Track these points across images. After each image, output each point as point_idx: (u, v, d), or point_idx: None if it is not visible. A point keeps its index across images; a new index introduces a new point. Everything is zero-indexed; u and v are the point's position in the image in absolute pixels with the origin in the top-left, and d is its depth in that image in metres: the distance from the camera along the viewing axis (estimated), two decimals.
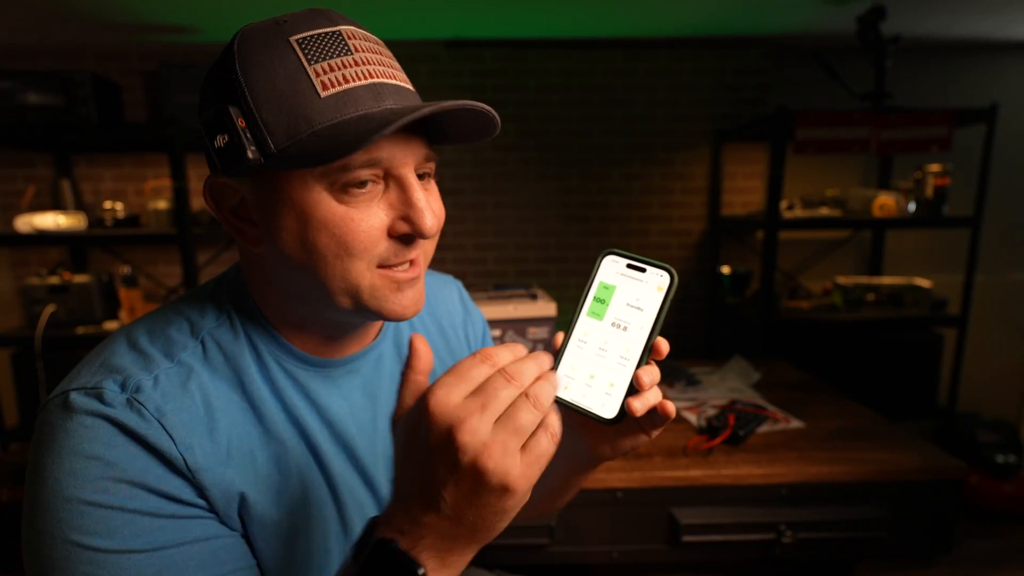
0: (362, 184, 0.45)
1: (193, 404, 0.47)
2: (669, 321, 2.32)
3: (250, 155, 0.43)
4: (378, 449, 0.59)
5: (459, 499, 0.36)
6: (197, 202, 2.46)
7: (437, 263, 2.52)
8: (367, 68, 0.46)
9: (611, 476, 1.13)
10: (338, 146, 0.42)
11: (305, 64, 0.44)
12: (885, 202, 2.16)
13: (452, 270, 2.58)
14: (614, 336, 0.46)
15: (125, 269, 2.18)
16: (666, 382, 1.59)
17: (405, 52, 2.31)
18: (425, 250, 0.53)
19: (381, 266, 0.49)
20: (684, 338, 2.75)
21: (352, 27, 0.47)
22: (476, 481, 0.35)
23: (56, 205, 2.22)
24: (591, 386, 0.46)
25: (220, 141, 0.45)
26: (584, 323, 0.48)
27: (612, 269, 0.48)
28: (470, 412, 0.35)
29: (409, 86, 0.50)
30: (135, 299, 2.12)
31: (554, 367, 0.48)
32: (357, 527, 0.56)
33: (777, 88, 2.55)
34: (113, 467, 0.43)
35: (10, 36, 2.22)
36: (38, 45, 2.34)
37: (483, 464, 0.35)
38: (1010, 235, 2.68)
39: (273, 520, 0.50)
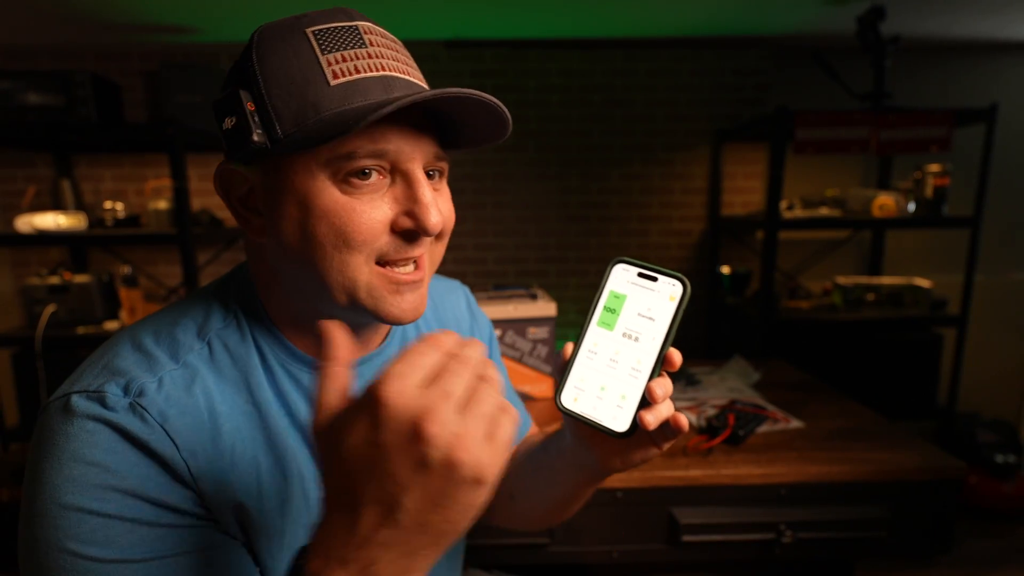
0: (365, 173, 0.45)
1: (197, 408, 0.46)
2: None
3: (256, 138, 0.43)
4: None
5: (425, 503, 0.32)
6: (197, 202, 2.46)
7: None
8: (380, 61, 0.45)
9: (611, 476, 1.13)
10: (342, 127, 0.42)
11: (318, 53, 0.44)
12: (885, 202, 2.16)
13: (452, 270, 2.58)
14: (625, 347, 0.45)
15: (125, 269, 2.19)
16: None
17: None
18: (432, 253, 0.52)
19: (381, 263, 0.48)
20: (684, 338, 2.75)
21: (370, 24, 0.47)
22: (447, 478, 0.31)
23: (56, 205, 2.22)
24: (602, 398, 0.45)
25: (228, 123, 0.45)
26: (594, 333, 0.47)
27: (623, 278, 0.47)
28: (434, 401, 0.32)
29: (423, 84, 0.49)
30: (135, 299, 2.12)
31: (563, 379, 0.47)
32: None
33: (777, 88, 2.55)
34: (113, 475, 0.42)
35: (10, 36, 2.22)
36: (38, 45, 2.34)
37: (457, 456, 0.31)
38: (1010, 235, 2.69)
39: (276, 529, 0.49)
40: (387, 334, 0.61)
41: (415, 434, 0.31)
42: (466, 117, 0.48)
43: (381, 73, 0.45)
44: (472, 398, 0.33)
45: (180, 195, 1.94)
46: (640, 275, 0.47)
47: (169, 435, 0.44)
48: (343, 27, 0.45)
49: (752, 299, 2.47)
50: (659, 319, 0.45)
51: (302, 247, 0.46)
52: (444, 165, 0.50)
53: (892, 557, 2.03)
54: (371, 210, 0.46)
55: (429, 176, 0.49)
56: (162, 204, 2.16)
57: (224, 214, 2.48)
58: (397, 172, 0.47)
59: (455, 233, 2.66)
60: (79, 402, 0.43)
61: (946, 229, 2.54)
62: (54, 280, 2.10)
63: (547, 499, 0.66)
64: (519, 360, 1.45)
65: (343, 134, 0.41)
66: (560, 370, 0.48)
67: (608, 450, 0.51)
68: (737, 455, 1.19)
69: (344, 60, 0.44)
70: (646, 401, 0.44)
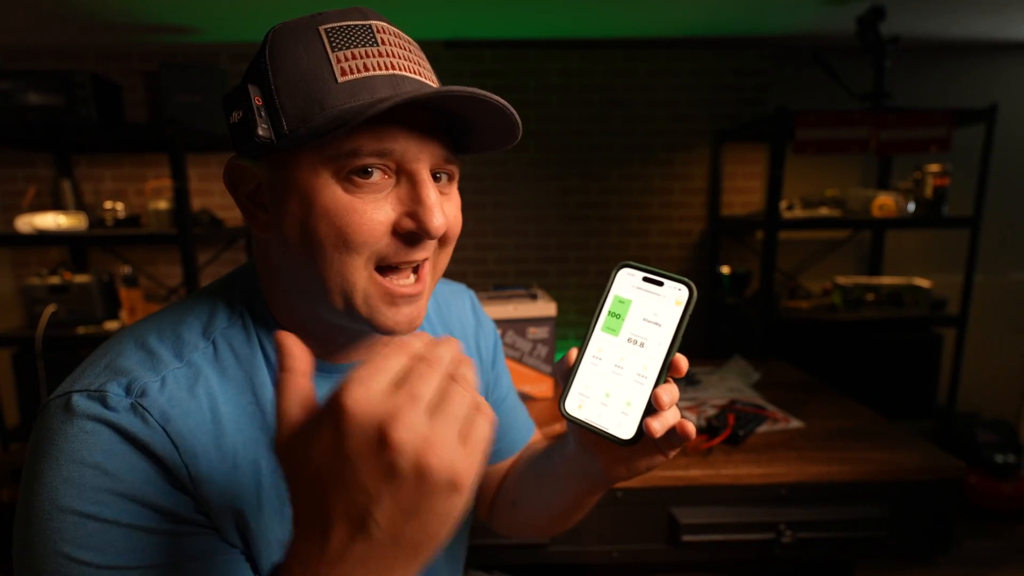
0: (368, 172, 0.44)
1: (200, 409, 0.45)
2: None
3: (261, 132, 0.43)
4: None
5: (396, 513, 0.30)
6: (198, 202, 2.46)
7: None
8: (390, 60, 0.45)
9: None
10: (339, 121, 0.41)
11: (328, 51, 0.44)
12: (885, 202, 2.16)
13: (452, 270, 2.59)
14: (630, 353, 0.44)
15: (126, 269, 2.19)
16: None
17: None
18: (436, 261, 0.51)
19: (381, 268, 0.47)
20: (684, 338, 2.75)
21: (385, 23, 0.47)
22: (419, 485, 0.29)
23: (57, 205, 2.22)
24: (607, 405, 0.44)
25: (235, 116, 0.44)
26: (599, 339, 0.46)
27: (627, 282, 0.46)
28: (400, 405, 0.30)
29: (434, 84, 0.48)
30: (136, 299, 2.12)
31: (567, 385, 0.46)
32: None
33: (777, 88, 2.55)
34: (112, 478, 0.41)
35: (11, 36, 2.22)
36: (39, 45, 2.34)
37: (427, 462, 0.29)
38: (1009, 235, 2.69)
39: (275, 536, 0.48)
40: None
41: (381, 441, 0.29)
42: (475, 119, 0.47)
43: (391, 72, 0.44)
44: (443, 399, 0.32)
45: (180, 195, 1.94)
46: (645, 279, 0.46)
47: (170, 437, 0.43)
48: (356, 25, 0.45)
49: (752, 299, 2.47)
50: (665, 324, 0.44)
51: (302, 245, 0.45)
52: (453, 169, 0.49)
53: (892, 557, 2.03)
54: (373, 210, 0.45)
55: (437, 179, 0.48)
56: (162, 204, 2.16)
57: (224, 214, 2.48)
58: (403, 173, 0.46)
59: None
60: (80, 401, 0.42)
61: (946, 229, 2.54)
62: (54, 280, 2.10)
63: (550, 507, 0.65)
64: (519, 360, 1.46)
65: (342, 128, 0.41)
66: (564, 376, 0.47)
67: (613, 458, 0.51)
68: (737, 455, 1.19)
69: (354, 58, 0.44)
70: (652, 408, 0.43)
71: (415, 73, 0.46)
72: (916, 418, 2.40)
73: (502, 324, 1.42)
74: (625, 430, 0.43)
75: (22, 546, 0.41)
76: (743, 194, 2.64)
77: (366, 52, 0.44)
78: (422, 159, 0.46)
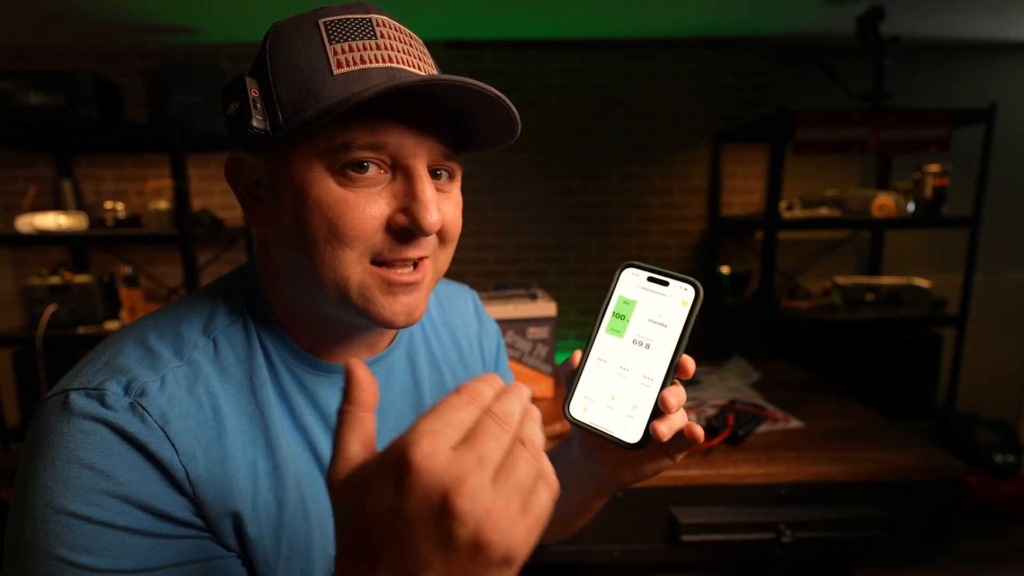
0: (362, 166, 0.43)
1: (200, 409, 0.45)
2: None
3: (255, 123, 0.42)
4: None
5: None
6: (198, 202, 2.47)
7: None
8: (388, 53, 0.44)
9: None
10: (326, 111, 0.41)
11: (326, 43, 0.43)
12: (884, 202, 2.16)
13: (452, 270, 2.59)
14: (636, 354, 0.43)
15: (126, 269, 2.19)
16: None
17: None
18: (437, 259, 0.50)
19: (376, 262, 0.46)
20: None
21: (385, 17, 0.46)
22: (474, 558, 0.28)
23: (57, 205, 2.23)
24: (612, 408, 0.43)
25: (231, 108, 0.44)
26: (603, 340, 0.45)
27: (632, 283, 0.45)
28: (467, 470, 0.28)
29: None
30: (136, 299, 2.12)
31: (572, 388, 0.45)
32: None
33: (776, 88, 2.55)
34: (108, 479, 0.40)
35: (11, 37, 2.22)
36: (39, 46, 2.34)
37: (487, 537, 0.27)
38: (1009, 235, 2.69)
39: (271, 539, 0.47)
40: (393, 338, 0.59)
41: (443, 508, 0.27)
42: (473, 113, 0.46)
43: (387, 64, 0.44)
44: (509, 465, 0.30)
45: (180, 195, 1.94)
46: (650, 279, 0.45)
47: (169, 438, 0.42)
48: (355, 19, 0.45)
49: (752, 299, 2.48)
50: (671, 325, 0.43)
51: (296, 239, 0.45)
52: (453, 166, 0.48)
53: (891, 556, 2.03)
54: (366, 204, 0.44)
55: (436, 176, 0.47)
56: (162, 204, 2.16)
57: (224, 214, 2.48)
58: (399, 168, 0.45)
59: None
60: (77, 399, 0.42)
61: (945, 229, 2.54)
62: (55, 280, 2.11)
63: (553, 512, 0.64)
64: (519, 360, 1.46)
65: (327, 115, 0.40)
66: (568, 379, 0.46)
67: (619, 462, 0.50)
68: (737, 455, 1.19)
69: (351, 50, 0.43)
70: (658, 411, 0.42)
71: (414, 67, 0.45)
72: (916, 418, 2.40)
73: (502, 324, 1.42)
74: (631, 434, 0.42)
75: (15, 547, 0.41)
76: (743, 194, 2.64)
77: (363, 45, 0.43)
78: (418, 154, 0.45)
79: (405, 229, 0.45)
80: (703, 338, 2.75)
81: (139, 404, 0.42)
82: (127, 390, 0.43)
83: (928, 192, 2.17)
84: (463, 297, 0.74)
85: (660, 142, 2.59)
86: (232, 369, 0.48)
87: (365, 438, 0.32)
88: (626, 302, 0.45)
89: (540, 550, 1.15)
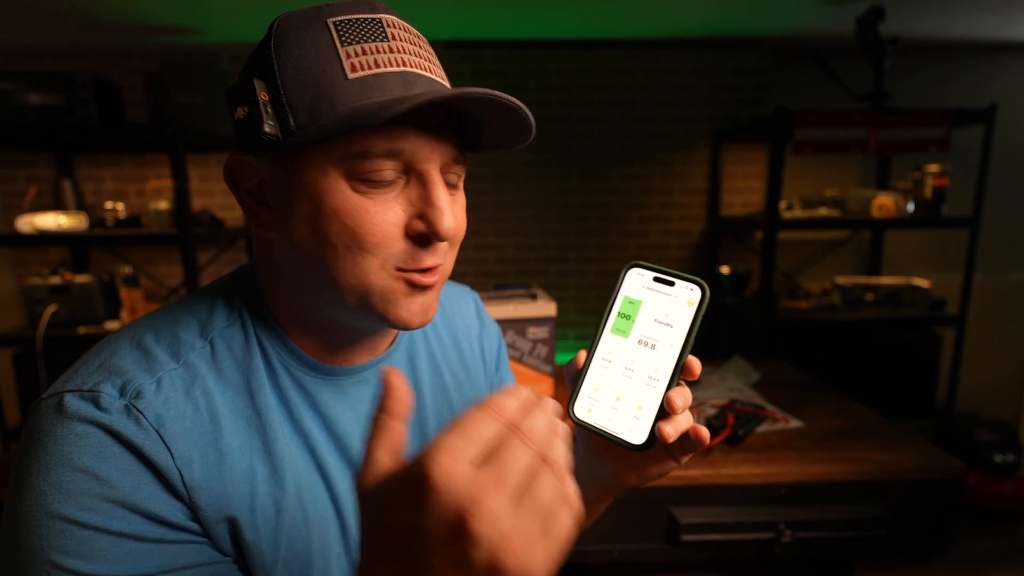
0: (378, 173, 0.43)
1: (197, 412, 0.44)
2: None
3: (267, 129, 0.41)
4: None
5: None
6: (198, 202, 2.47)
7: None
8: (401, 56, 0.43)
9: None
10: (353, 123, 0.39)
11: (338, 45, 0.42)
12: (884, 202, 2.16)
13: (452, 270, 2.59)
14: (641, 355, 0.43)
15: (126, 269, 2.19)
16: None
17: None
18: (445, 260, 0.50)
19: (399, 269, 0.46)
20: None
21: (394, 17, 0.45)
22: None
23: (57, 205, 2.23)
24: (617, 409, 0.43)
25: (240, 112, 0.43)
26: (608, 340, 0.44)
27: (637, 283, 0.45)
28: (485, 490, 0.27)
29: (446, 82, 0.47)
30: (136, 299, 2.12)
31: (576, 388, 0.45)
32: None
33: (776, 89, 2.55)
34: (102, 483, 0.40)
35: (11, 37, 2.22)
36: (39, 46, 2.34)
37: (503, 561, 0.27)
38: (1008, 235, 2.69)
39: (269, 544, 0.47)
40: (395, 338, 0.59)
41: (460, 529, 0.27)
42: (488, 119, 0.46)
43: (401, 69, 0.43)
44: (530, 485, 0.29)
45: (181, 195, 1.94)
46: (656, 279, 0.44)
47: (164, 441, 0.42)
48: (365, 19, 0.43)
49: (752, 299, 2.48)
50: (677, 325, 0.43)
51: (313, 246, 0.44)
52: (461, 169, 0.48)
53: (891, 556, 2.03)
54: (384, 211, 0.43)
55: (445, 179, 0.47)
56: (163, 204, 2.16)
57: (225, 214, 2.48)
58: (412, 173, 0.44)
59: None
60: (72, 402, 0.41)
61: (945, 229, 2.55)
62: (55, 280, 2.11)
63: None
64: (519, 360, 1.46)
65: (357, 131, 0.39)
66: (573, 379, 0.46)
67: (623, 464, 0.49)
68: (737, 455, 1.19)
69: (364, 53, 0.42)
70: (664, 412, 0.41)
71: (425, 70, 0.45)
72: (915, 418, 2.40)
73: (502, 324, 1.43)
74: (637, 435, 0.42)
75: (7, 550, 0.40)
76: (743, 194, 2.64)
77: (376, 47, 0.43)
78: (432, 159, 0.44)
79: (423, 235, 0.45)
80: (703, 338, 2.75)
81: (134, 406, 0.41)
82: (122, 392, 0.42)
83: (928, 192, 2.17)
84: (464, 298, 0.73)
85: (660, 142, 2.59)
86: (229, 372, 0.48)
87: (394, 448, 0.32)
88: (631, 302, 0.45)
89: None
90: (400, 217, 0.44)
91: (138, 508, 0.41)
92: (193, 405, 0.44)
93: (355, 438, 0.53)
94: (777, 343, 2.22)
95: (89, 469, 0.40)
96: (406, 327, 0.48)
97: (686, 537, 1.13)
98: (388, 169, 0.43)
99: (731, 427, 1.23)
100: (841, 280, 2.41)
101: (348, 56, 0.42)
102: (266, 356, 0.50)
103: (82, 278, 2.12)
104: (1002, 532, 2.29)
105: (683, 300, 0.43)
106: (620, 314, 0.45)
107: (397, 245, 0.45)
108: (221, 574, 0.45)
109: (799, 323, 2.26)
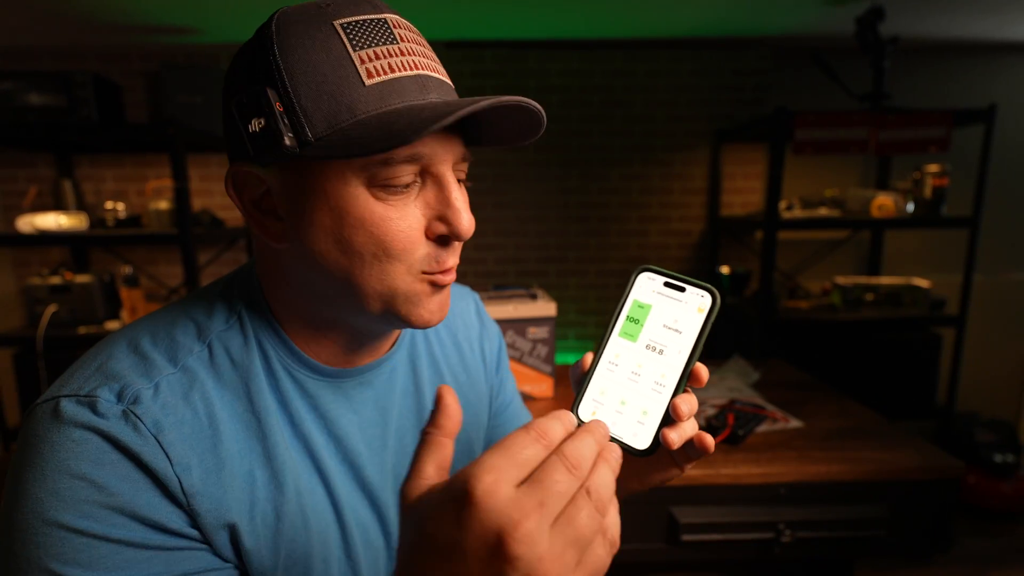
0: (401, 183, 0.43)
1: (195, 417, 0.44)
2: None
3: (287, 141, 0.40)
4: (387, 467, 0.55)
5: None
6: (198, 202, 2.47)
7: None
8: (413, 59, 0.43)
9: None
10: (390, 136, 0.39)
11: (350, 50, 0.41)
12: (884, 202, 2.16)
13: None
14: (648, 360, 0.43)
15: (127, 269, 2.19)
16: None
17: None
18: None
19: (425, 272, 0.46)
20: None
21: (396, 16, 0.45)
22: None
23: (58, 205, 2.23)
24: (622, 413, 0.42)
25: (255, 125, 0.41)
26: (615, 344, 0.44)
27: (648, 287, 0.44)
28: (526, 512, 0.27)
29: (449, 81, 0.47)
30: (136, 299, 2.12)
31: (581, 391, 0.45)
32: (360, 551, 0.52)
33: (776, 89, 2.55)
34: (100, 490, 0.39)
35: (12, 37, 2.22)
36: (40, 46, 2.34)
37: None
38: (1008, 235, 2.69)
39: (269, 551, 0.46)
40: (395, 341, 0.58)
41: (497, 548, 0.27)
42: (500, 119, 0.46)
43: (416, 72, 0.43)
44: (571, 514, 0.29)
45: (181, 195, 1.95)
46: (667, 284, 0.44)
47: (163, 447, 0.41)
48: (372, 20, 0.43)
49: (751, 299, 2.48)
50: (686, 332, 0.42)
51: (337, 256, 0.44)
52: (467, 165, 0.48)
53: (891, 556, 2.03)
54: (405, 217, 0.44)
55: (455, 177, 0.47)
56: (163, 204, 2.17)
57: (225, 214, 2.48)
58: (428, 175, 0.44)
59: None
60: (68, 407, 0.40)
61: (945, 229, 2.55)
62: (55, 280, 2.11)
63: None
64: (519, 360, 1.46)
65: (402, 143, 0.38)
66: (578, 381, 0.45)
67: (626, 469, 0.48)
68: (736, 455, 1.19)
69: (377, 57, 0.41)
70: (669, 418, 0.41)
71: (434, 71, 0.45)
72: (915, 418, 2.40)
73: (502, 324, 1.43)
74: (641, 440, 0.41)
75: (2, 561, 0.39)
76: (743, 194, 2.64)
77: (388, 51, 0.42)
78: (447, 160, 0.45)
79: (443, 236, 0.45)
80: None
81: (132, 412, 0.41)
82: (120, 397, 0.41)
83: (927, 192, 2.17)
84: (465, 299, 0.73)
85: (660, 142, 2.59)
86: (228, 375, 0.47)
87: (441, 462, 0.33)
88: (641, 306, 0.44)
89: None
90: (420, 221, 0.45)
91: (137, 515, 0.40)
92: (192, 410, 0.44)
93: (356, 441, 0.53)
94: (777, 343, 2.22)
95: (87, 476, 0.39)
96: (426, 326, 0.48)
97: (686, 537, 1.13)
98: (408, 174, 0.43)
99: (731, 427, 1.23)
100: (841, 280, 2.41)
101: (362, 61, 0.41)
102: (266, 358, 0.49)
103: (82, 278, 2.12)
104: (1002, 532, 2.29)
105: (693, 306, 0.43)
106: (629, 318, 0.44)
107: (421, 249, 0.45)
108: None
109: (799, 323, 2.26)
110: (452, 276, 0.48)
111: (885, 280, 2.41)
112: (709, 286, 0.43)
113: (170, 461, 0.41)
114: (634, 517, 1.16)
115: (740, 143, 2.58)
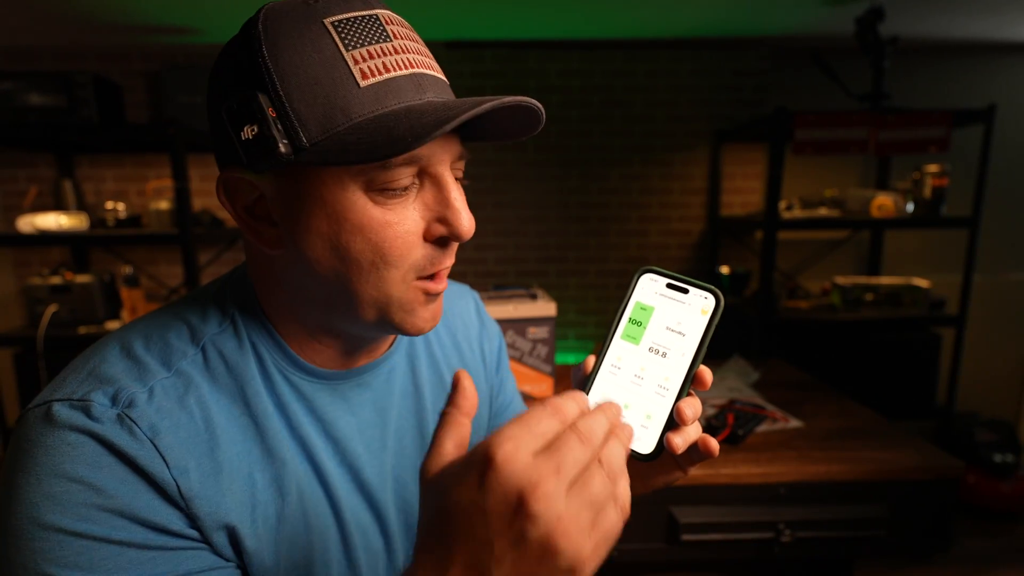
0: (399, 187, 0.42)
1: (192, 421, 0.43)
2: None
3: (282, 148, 0.39)
4: (386, 468, 0.55)
5: None
6: (199, 202, 2.47)
7: None
8: (407, 57, 0.42)
9: None
10: (393, 142, 0.38)
11: (342, 50, 0.40)
12: (883, 202, 2.16)
13: (452, 270, 2.59)
14: (652, 363, 0.42)
15: (127, 269, 2.19)
16: None
17: None
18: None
19: (420, 278, 0.45)
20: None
21: (388, 11, 0.43)
22: (541, 561, 0.29)
23: (58, 205, 2.23)
24: (625, 417, 0.41)
25: (248, 132, 0.39)
26: (618, 347, 0.43)
27: (650, 289, 0.44)
28: (544, 475, 0.29)
29: (444, 77, 0.46)
30: (137, 299, 2.13)
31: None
32: (360, 553, 0.52)
33: (776, 89, 2.56)
34: (99, 493, 0.38)
35: (12, 37, 2.23)
36: (40, 46, 2.34)
37: (556, 542, 0.28)
38: (1008, 235, 2.69)
39: (270, 552, 0.46)
40: (392, 341, 0.58)
41: (519, 506, 0.28)
42: (498, 117, 0.44)
43: (411, 71, 0.42)
44: (585, 480, 0.31)
45: (181, 195, 1.95)
46: (669, 286, 0.43)
47: (159, 451, 0.40)
48: (363, 17, 0.41)
49: (751, 299, 2.48)
50: (689, 334, 0.42)
51: (334, 263, 0.43)
52: (463, 165, 0.47)
53: (891, 556, 2.03)
54: (404, 221, 0.43)
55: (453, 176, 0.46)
56: (163, 204, 2.17)
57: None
58: (426, 176, 0.43)
59: None
60: (61, 411, 0.39)
61: (944, 229, 2.55)
62: (56, 280, 2.11)
63: None
64: (519, 360, 1.46)
65: (407, 149, 0.37)
66: (580, 384, 0.45)
67: (629, 472, 0.47)
68: (736, 454, 1.19)
69: (371, 57, 0.40)
70: (673, 422, 0.40)
71: (428, 68, 0.44)
72: (915, 418, 2.40)
73: (502, 324, 1.43)
74: (644, 444, 0.41)
75: None
76: (742, 194, 2.65)
77: (382, 50, 0.41)
78: (445, 160, 0.44)
79: (443, 239, 0.45)
80: None
81: (127, 416, 0.40)
82: (114, 401, 0.40)
83: (927, 192, 2.17)
84: (464, 298, 0.72)
85: (660, 142, 2.59)
86: (223, 379, 0.46)
87: (460, 440, 0.35)
88: (643, 308, 0.44)
89: None
90: (418, 224, 0.44)
91: (137, 517, 0.40)
92: (187, 414, 0.43)
93: (355, 442, 0.52)
94: (777, 343, 2.22)
95: (83, 479, 0.38)
96: (419, 333, 0.48)
97: (686, 537, 1.13)
98: (406, 176, 0.42)
99: (731, 427, 1.23)
100: (841, 280, 2.41)
101: (356, 62, 0.40)
102: (261, 361, 0.48)
103: (83, 278, 2.13)
104: (1002, 532, 2.29)
105: (697, 308, 0.42)
106: (631, 320, 0.44)
107: (418, 252, 0.44)
108: None
109: (799, 323, 2.26)
110: (444, 284, 0.48)
111: (885, 280, 2.41)
112: (712, 287, 0.42)
113: (167, 465, 0.41)
114: (634, 517, 1.15)
115: (740, 143, 2.58)
